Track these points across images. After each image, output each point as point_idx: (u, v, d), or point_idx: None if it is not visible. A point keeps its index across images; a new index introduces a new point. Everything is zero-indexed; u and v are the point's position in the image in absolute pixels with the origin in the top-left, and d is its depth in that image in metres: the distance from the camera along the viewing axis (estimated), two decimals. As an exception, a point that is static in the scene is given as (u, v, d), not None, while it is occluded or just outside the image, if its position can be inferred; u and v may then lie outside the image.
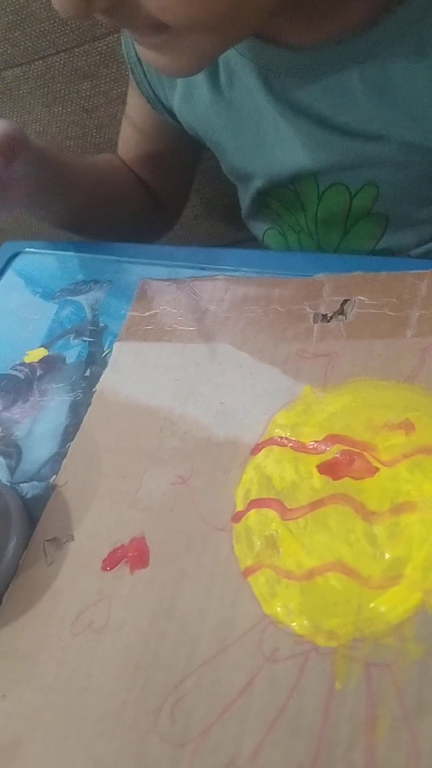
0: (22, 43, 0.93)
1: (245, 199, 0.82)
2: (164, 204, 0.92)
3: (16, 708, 0.44)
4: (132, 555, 0.49)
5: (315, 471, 0.48)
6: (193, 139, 0.80)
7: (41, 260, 0.76)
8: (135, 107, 0.83)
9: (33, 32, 0.92)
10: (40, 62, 0.96)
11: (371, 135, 0.64)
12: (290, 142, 0.68)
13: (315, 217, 0.76)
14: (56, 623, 0.47)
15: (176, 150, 0.87)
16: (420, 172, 0.66)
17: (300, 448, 0.49)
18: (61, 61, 0.96)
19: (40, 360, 0.67)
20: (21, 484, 0.58)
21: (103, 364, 0.63)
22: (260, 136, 0.70)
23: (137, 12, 0.47)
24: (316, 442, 0.49)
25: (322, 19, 0.59)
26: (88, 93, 0.98)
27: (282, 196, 0.76)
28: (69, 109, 1.01)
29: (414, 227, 0.73)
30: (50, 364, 0.66)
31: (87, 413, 0.59)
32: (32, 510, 0.55)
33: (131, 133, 0.87)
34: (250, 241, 0.91)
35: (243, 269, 0.65)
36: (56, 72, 0.97)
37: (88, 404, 0.60)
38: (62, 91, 0.99)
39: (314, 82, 0.63)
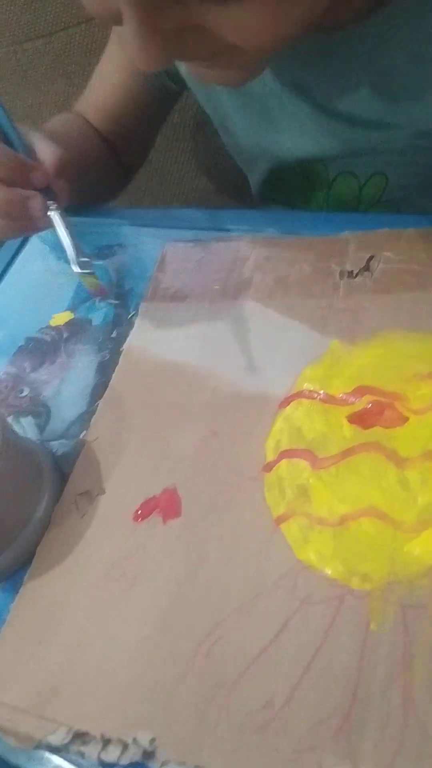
0: (43, 15, 0.93)
1: (255, 184, 0.82)
2: (127, 162, 0.90)
3: (53, 654, 0.44)
4: (164, 506, 0.49)
5: (345, 421, 0.48)
6: (174, 99, 0.83)
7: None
8: (124, 69, 0.81)
9: (53, 4, 0.92)
10: (61, 34, 0.95)
11: (377, 123, 0.63)
12: (296, 126, 0.68)
13: (325, 205, 0.75)
14: (90, 572, 0.47)
15: (156, 109, 0.86)
16: (428, 160, 0.66)
17: (329, 400, 0.50)
18: (82, 33, 0.95)
19: (66, 323, 0.67)
20: (50, 442, 0.58)
21: (130, 325, 0.64)
22: (268, 118, 0.70)
23: (209, 42, 0.45)
24: (345, 393, 0.49)
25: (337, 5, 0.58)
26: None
27: (291, 181, 0.75)
28: (89, 82, 1.01)
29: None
30: (76, 327, 0.66)
31: (115, 372, 0.60)
32: (62, 466, 0.56)
33: (112, 92, 0.83)
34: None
35: (268, 230, 0.65)
36: (76, 44, 0.97)
37: (116, 364, 0.61)
38: (82, 63, 0.99)
39: (319, 67, 0.62)
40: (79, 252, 0.58)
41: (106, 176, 0.86)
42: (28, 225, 0.61)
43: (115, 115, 0.83)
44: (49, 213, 0.58)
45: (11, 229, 0.61)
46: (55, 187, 0.59)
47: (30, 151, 0.60)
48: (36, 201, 0.57)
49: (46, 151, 0.59)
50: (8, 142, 0.57)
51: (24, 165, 0.56)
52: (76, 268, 0.57)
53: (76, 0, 0.89)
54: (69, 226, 0.59)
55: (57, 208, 0.59)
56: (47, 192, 0.60)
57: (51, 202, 0.58)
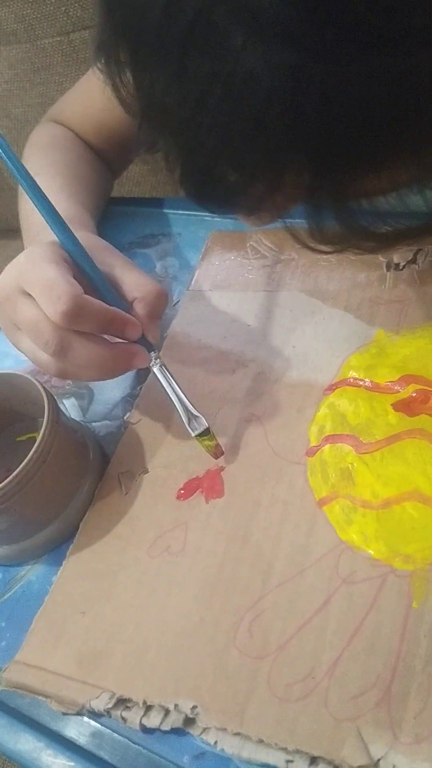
0: (91, 6, 0.94)
1: None
2: (116, 168, 0.84)
3: (97, 623, 0.45)
4: (207, 485, 0.50)
5: (390, 408, 0.48)
6: None
7: (110, 215, 0.78)
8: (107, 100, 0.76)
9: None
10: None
11: None
12: None
13: None
14: (134, 547, 0.48)
15: None
16: None
17: (374, 387, 0.50)
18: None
19: (111, 309, 0.68)
20: (93, 423, 0.60)
21: (173, 312, 0.65)
22: None
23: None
24: (390, 382, 0.50)
25: None
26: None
27: None
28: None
29: None
30: (120, 312, 0.67)
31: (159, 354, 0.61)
32: (105, 447, 0.57)
33: (102, 106, 0.76)
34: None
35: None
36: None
37: (159, 349, 0.61)
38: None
39: None
40: (188, 411, 0.50)
41: (107, 192, 0.81)
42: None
43: (107, 128, 0.78)
44: (152, 368, 0.51)
45: (107, 378, 0.52)
46: (147, 335, 0.51)
47: (109, 286, 0.51)
48: (141, 359, 0.50)
49: (140, 288, 0.51)
50: (89, 279, 0.49)
51: (122, 320, 0.49)
52: (190, 430, 0.50)
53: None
54: (173, 381, 0.51)
55: (159, 362, 0.51)
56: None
57: (153, 353, 0.51)
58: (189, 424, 0.50)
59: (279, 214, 0.42)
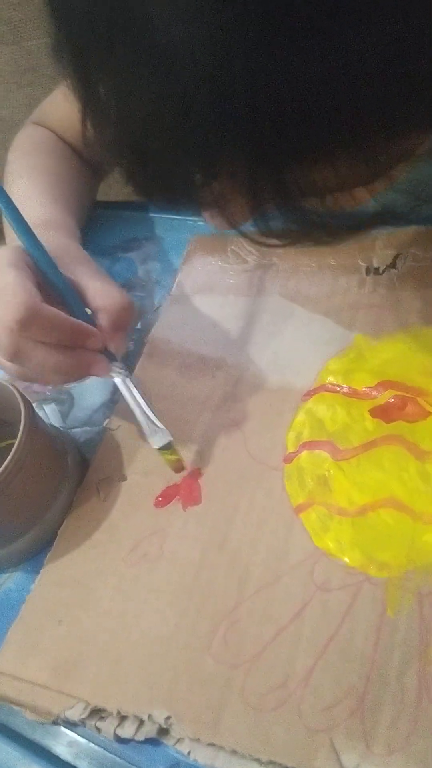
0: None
1: None
2: (96, 171, 0.82)
3: (73, 632, 0.45)
4: (184, 492, 0.50)
5: (367, 414, 0.48)
6: None
7: (92, 219, 0.77)
8: None
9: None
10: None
11: None
12: None
13: None
14: (111, 554, 0.48)
15: None
16: None
17: (352, 393, 0.50)
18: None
19: (92, 313, 0.68)
20: (73, 429, 0.59)
21: (155, 316, 0.64)
22: None
23: None
24: (368, 387, 0.50)
25: None
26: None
27: None
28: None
29: None
30: (102, 317, 0.67)
31: (138, 362, 0.60)
32: (85, 453, 0.57)
33: (77, 115, 0.78)
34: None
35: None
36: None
37: (140, 355, 0.61)
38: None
39: None
40: (151, 423, 0.49)
41: (91, 195, 0.80)
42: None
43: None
44: (114, 378, 0.50)
45: (67, 383, 0.52)
46: (111, 347, 0.50)
47: (75, 294, 0.50)
48: (101, 367, 0.49)
49: (105, 300, 0.50)
50: (53, 286, 0.48)
51: (81, 331, 0.48)
52: (152, 443, 0.49)
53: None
54: (137, 393, 0.50)
55: (122, 373, 0.50)
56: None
57: (116, 363, 0.50)
58: (151, 437, 0.49)
59: (243, 215, 0.41)
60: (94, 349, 0.49)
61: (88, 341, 0.48)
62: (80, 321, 0.48)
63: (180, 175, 0.35)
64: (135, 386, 0.50)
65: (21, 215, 0.47)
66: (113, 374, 0.50)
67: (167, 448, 0.49)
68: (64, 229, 0.61)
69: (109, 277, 0.52)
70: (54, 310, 0.46)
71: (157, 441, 0.49)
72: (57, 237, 0.52)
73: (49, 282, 0.48)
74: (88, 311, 0.50)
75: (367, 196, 0.39)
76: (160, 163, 0.35)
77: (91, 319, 0.49)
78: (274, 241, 0.40)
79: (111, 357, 0.50)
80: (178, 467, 0.50)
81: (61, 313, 0.46)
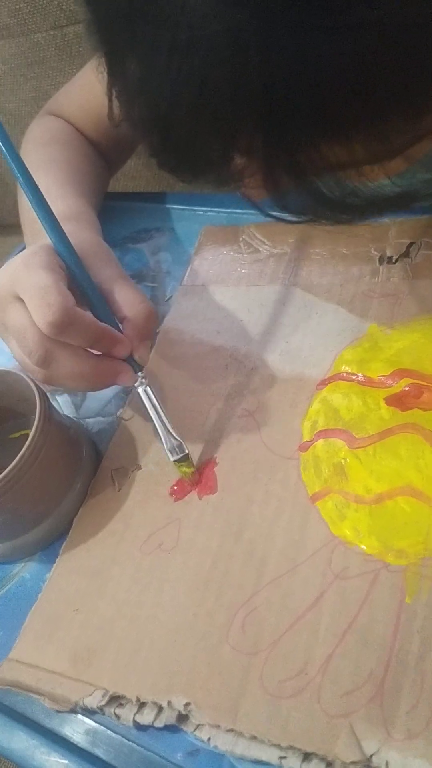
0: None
1: None
2: (114, 163, 0.83)
3: (90, 620, 0.45)
4: (200, 482, 0.50)
5: (383, 403, 0.48)
6: None
7: (102, 210, 0.77)
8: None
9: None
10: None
11: None
12: None
13: None
14: (127, 543, 0.48)
15: None
16: None
17: (367, 382, 0.50)
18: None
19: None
20: (86, 420, 0.59)
21: (166, 307, 0.64)
22: None
23: None
24: (383, 376, 0.50)
25: None
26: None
27: None
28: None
29: None
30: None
31: (151, 353, 0.60)
32: (98, 443, 0.57)
33: (95, 107, 0.75)
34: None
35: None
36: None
37: (152, 345, 0.61)
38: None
39: None
40: (168, 435, 0.49)
41: (104, 187, 0.80)
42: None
43: (107, 122, 0.77)
44: (137, 389, 0.50)
45: (91, 391, 0.54)
46: (136, 355, 0.50)
47: (102, 299, 0.50)
48: (128, 377, 0.49)
49: (131, 307, 0.50)
50: (81, 290, 0.48)
51: (110, 338, 0.48)
52: (169, 456, 0.49)
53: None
54: (157, 404, 0.50)
55: (145, 382, 0.50)
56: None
57: (140, 374, 0.50)
58: (168, 449, 0.49)
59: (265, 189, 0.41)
60: (120, 356, 0.49)
61: (116, 348, 0.48)
62: (109, 327, 0.48)
63: (202, 150, 0.36)
64: (155, 396, 0.50)
65: (54, 217, 0.47)
66: (138, 385, 0.50)
67: (183, 460, 0.49)
68: (88, 223, 0.61)
69: (133, 282, 0.52)
70: (89, 314, 0.46)
71: (172, 453, 0.49)
72: (82, 231, 0.52)
73: (77, 284, 0.48)
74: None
75: (383, 175, 0.39)
76: (183, 137, 0.36)
77: (117, 326, 0.49)
78: (289, 217, 0.41)
79: (135, 366, 0.50)
80: (194, 480, 0.50)
81: (94, 318, 0.47)
